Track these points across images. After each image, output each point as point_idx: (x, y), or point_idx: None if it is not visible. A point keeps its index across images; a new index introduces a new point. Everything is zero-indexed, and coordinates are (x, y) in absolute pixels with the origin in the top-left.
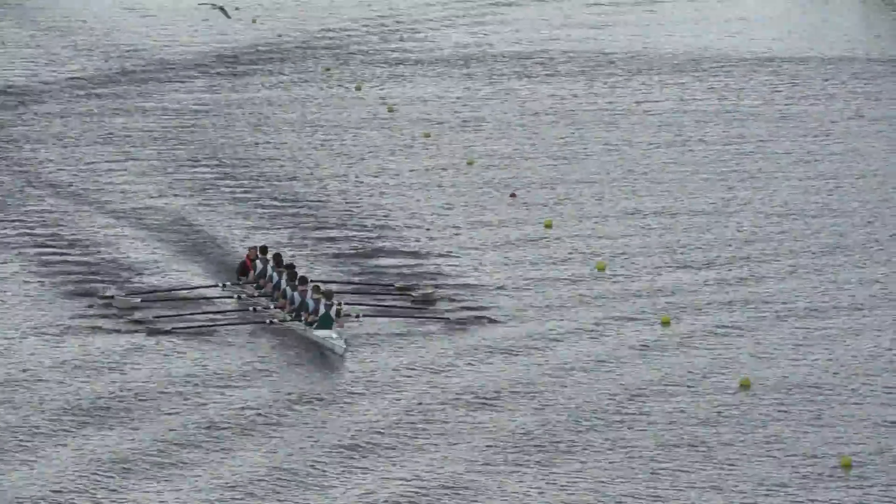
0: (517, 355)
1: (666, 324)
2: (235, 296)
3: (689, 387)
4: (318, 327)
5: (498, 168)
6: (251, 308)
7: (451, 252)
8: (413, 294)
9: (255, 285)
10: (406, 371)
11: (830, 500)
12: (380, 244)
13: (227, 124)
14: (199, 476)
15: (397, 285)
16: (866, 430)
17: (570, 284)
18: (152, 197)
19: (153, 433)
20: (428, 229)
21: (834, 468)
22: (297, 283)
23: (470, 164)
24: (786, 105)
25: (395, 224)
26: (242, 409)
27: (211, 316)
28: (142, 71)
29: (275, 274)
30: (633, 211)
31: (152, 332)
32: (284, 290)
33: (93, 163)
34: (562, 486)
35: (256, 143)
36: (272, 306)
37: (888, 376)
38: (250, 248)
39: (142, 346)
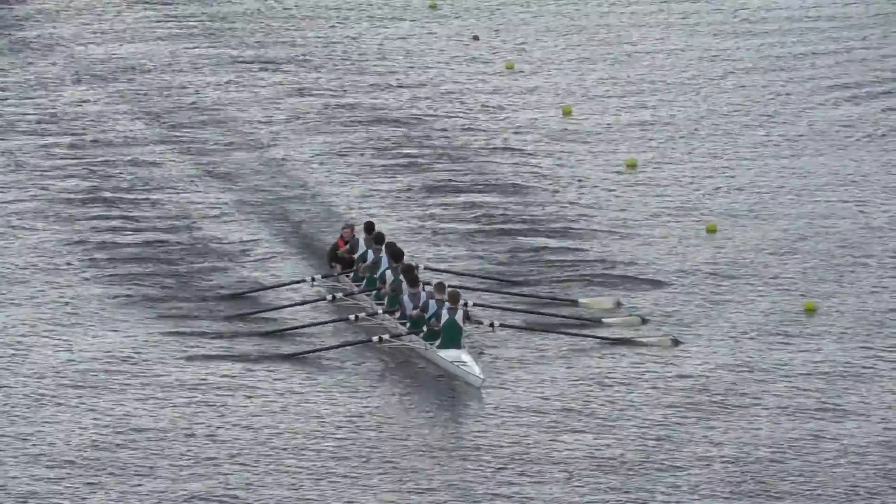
0: None
1: (632, 166)
2: (330, 295)
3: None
4: (443, 345)
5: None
6: (352, 317)
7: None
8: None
9: (351, 277)
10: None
11: (797, 342)
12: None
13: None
14: None
15: (580, 301)
16: (830, 277)
17: None
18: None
19: None
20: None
21: (798, 314)
22: (411, 280)
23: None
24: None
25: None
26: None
27: (294, 333)
28: None
29: (383, 262)
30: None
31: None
32: (394, 286)
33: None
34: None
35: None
36: (379, 311)
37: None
38: (345, 227)
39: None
